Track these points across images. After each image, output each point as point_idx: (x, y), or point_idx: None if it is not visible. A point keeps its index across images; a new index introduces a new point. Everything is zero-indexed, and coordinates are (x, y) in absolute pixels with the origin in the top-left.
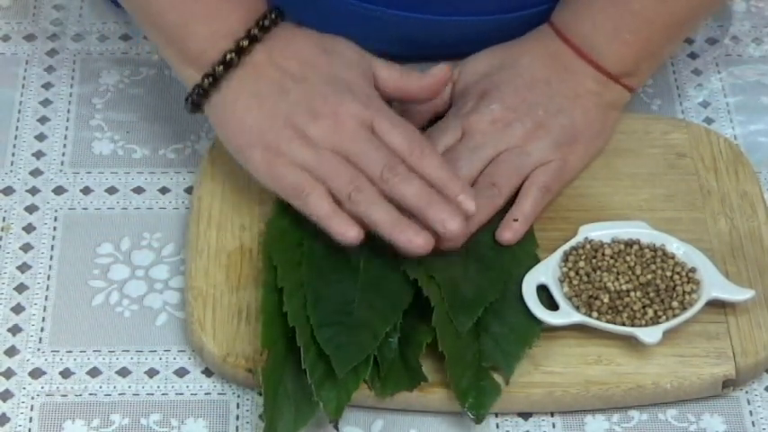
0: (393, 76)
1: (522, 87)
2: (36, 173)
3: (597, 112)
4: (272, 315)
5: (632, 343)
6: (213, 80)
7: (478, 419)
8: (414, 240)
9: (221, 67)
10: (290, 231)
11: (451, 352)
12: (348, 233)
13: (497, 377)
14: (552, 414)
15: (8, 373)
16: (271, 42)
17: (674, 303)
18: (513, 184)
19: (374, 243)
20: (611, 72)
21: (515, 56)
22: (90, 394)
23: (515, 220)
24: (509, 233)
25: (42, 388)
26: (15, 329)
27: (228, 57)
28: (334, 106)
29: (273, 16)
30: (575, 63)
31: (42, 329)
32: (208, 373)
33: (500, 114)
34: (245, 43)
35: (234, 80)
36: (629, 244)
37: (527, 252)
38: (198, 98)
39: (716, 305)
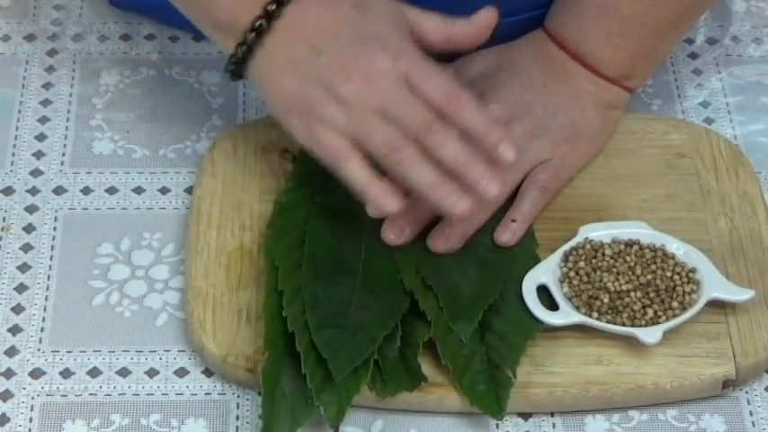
0: (437, 25)
1: (520, 88)
2: (36, 173)
3: (596, 111)
4: (273, 316)
5: (632, 343)
6: (247, 48)
7: (500, 414)
8: (457, 206)
9: (253, 35)
10: (291, 232)
11: (457, 362)
12: (387, 202)
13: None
14: (552, 414)
15: (8, 373)
16: (299, 3)
17: (674, 303)
18: (512, 183)
19: (374, 246)
20: (607, 75)
21: (512, 58)
22: (90, 394)
23: (514, 221)
24: (507, 234)
25: (42, 388)
26: (15, 329)
27: (258, 23)
28: (365, 63)
29: None
30: (571, 66)
31: (42, 329)
32: (208, 373)
33: (499, 114)
34: (273, 7)
35: (267, 45)
36: (629, 244)
37: (527, 252)
38: (235, 67)
39: (716, 305)
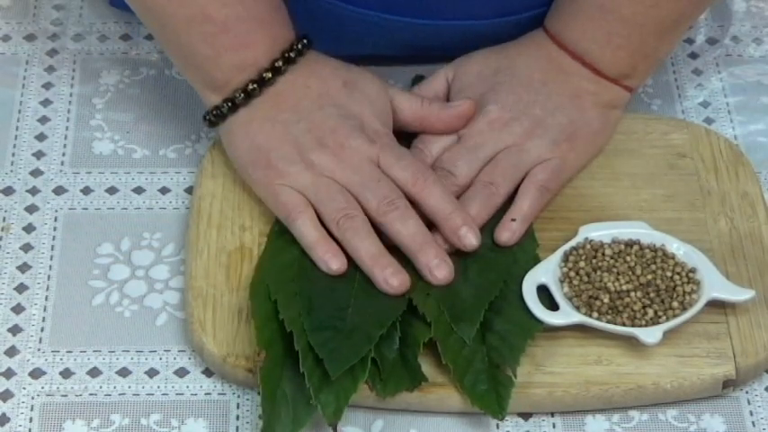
0: (414, 106)
1: (519, 87)
2: (36, 173)
3: (595, 110)
4: (264, 319)
5: (632, 343)
6: (232, 105)
7: (501, 414)
8: (389, 281)
9: (242, 95)
10: (285, 248)
11: (458, 362)
12: (330, 262)
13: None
14: (552, 414)
15: (8, 373)
16: (294, 73)
17: (675, 303)
18: (512, 183)
19: None
20: (607, 75)
21: (511, 57)
22: (90, 394)
23: (513, 220)
24: (507, 233)
25: (42, 388)
26: (15, 329)
27: (251, 87)
28: (341, 138)
29: (300, 47)
30: (570, 65)
31: (42, 329)
32: (208, 373)
33: (497, 115)
34: (269, 75)
35: (253, 106)
36: (630, 244)
37: (527, 252)
38: (215, 119)
39: (716, 305)
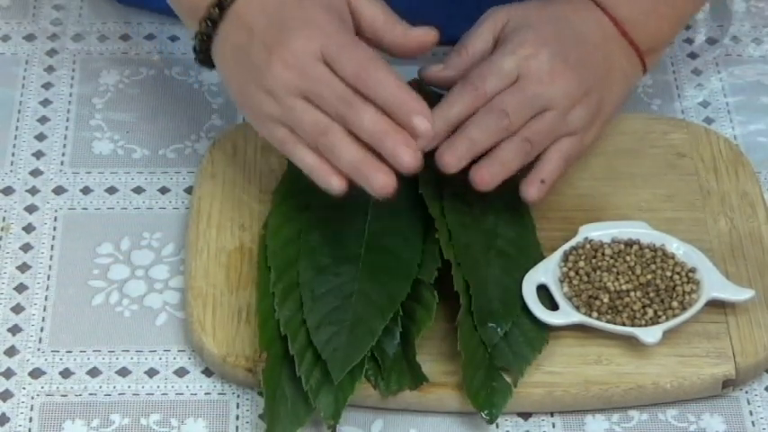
0: (375, 15)
1: (581, 46)
2: (36, 173)
3: (622, 93)
4: (267, 317)
5: (632, 343)
6: (204, 36)
7: (491, 419)
8: (376, 180)
9: (205, 24)
10: (286, 226)
11: (467, 351)
12: (330, 180)
13: (507, 378)
14: (552, 414)
15: (8, 373)
16: None
17: (674, 303)
18: (543, 147)
19: (377, 227)
20: (640, 48)
21: (568, 14)
22: (90, 394)
23: (543, 182)
24: (534, 190)
25: (42, 388)
26: (15, 329)
27: (213, 11)
28: (282, 47)
29: None
30: (613, 36)
31: (42, 329)
32: (208, 373)
33: (561, 66)
34: None
35: (221, 33)
36: (629, 244)
37: (538, 253)
38: (196, 54)
39: (716, 305)
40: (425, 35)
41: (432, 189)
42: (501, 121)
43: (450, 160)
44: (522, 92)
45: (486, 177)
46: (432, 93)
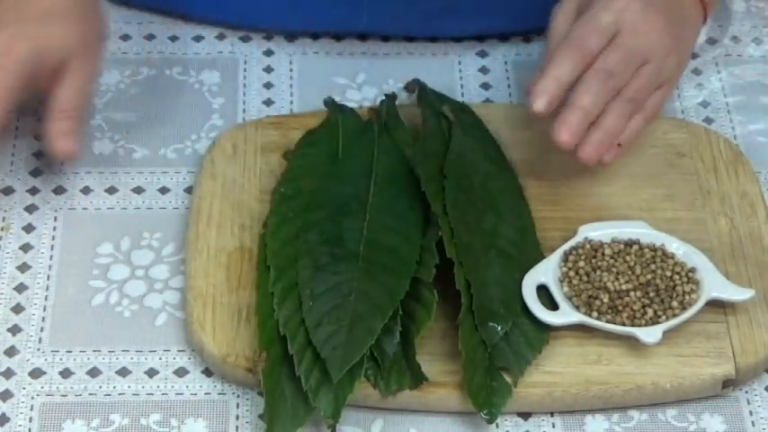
0: (62, 98)
1: None
2: (36, 172)
3: (693, 40)
4: (267, 317)
5: (632, 343)
6: None
7: (491, 419)
8: None
9: None
10: (285, 226)
11: (467, 351)
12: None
13: (507, 377)
14: (552, 414)
15: (8, 373)
16: None
17: (674, 303)
18: (644, 103)
19: (376, 224)
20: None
21: None
22: (90, 394)
23: (620, 145)
24: (610, 156)
25: (42, 388)
26: (15, 329)
27: None
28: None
29: None
30: None
31: (42, 329)
32: (208, 373)
33: (653, 17)
34: None
35: None
36: (629, 244)
37: (538, 253)
38: None
39: (716, 305)
40: (64, 145)
41: (434, 187)
42: (608, 83)
43: (568, 138)
44: (622, 47)
45: (594, 151)
46: (432, 96)
